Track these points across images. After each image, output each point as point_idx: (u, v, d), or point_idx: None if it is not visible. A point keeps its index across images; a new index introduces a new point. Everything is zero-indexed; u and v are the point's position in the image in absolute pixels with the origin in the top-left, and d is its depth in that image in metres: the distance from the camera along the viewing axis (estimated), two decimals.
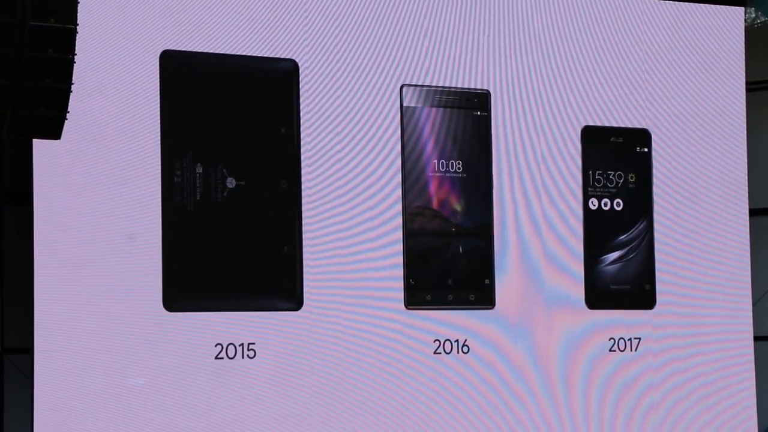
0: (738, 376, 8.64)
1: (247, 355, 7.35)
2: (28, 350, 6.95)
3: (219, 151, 7.32)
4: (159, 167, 7.16)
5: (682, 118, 8.59)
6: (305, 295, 7.52)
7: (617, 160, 8.39)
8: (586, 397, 8.23)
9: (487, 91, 8.06)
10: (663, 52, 8.60)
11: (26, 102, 4.96)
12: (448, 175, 7.93)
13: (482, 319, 7.97)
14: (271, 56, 7.53)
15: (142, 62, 7.18)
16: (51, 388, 6.88)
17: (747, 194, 8.73)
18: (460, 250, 7.94)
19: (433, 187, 7.89)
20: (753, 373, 8.67)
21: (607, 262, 8.35)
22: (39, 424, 6.86)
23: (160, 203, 7.15)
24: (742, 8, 8.84)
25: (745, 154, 8.73)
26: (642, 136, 8.47)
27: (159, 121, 7.17)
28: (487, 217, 8.00)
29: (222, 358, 7.29)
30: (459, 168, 7.95)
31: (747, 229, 8.72)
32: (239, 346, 7.33)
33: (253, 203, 7.42)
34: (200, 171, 7.28)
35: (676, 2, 8.65)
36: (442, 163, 7.91)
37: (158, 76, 7.18)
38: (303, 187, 7.52)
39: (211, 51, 7.33)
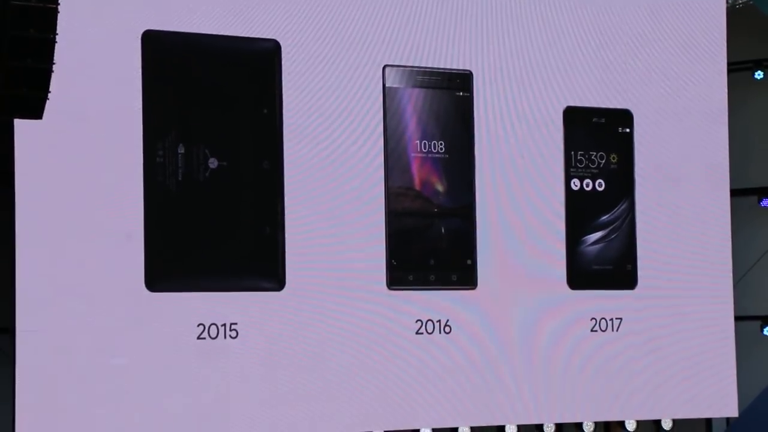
0: (719, 356, 8.71)
1: (230, 336, 7.38)
2: (9, 330, 6.99)
3: (201, 131, 7.34)
4: (141, 148, 7.18)
5: (664, 99, 8.64)
6: (287, 276, 7.55)
7: (599, 140, 8.44)
8: (568, 377, 8.29)
9: (470, 71, 8.10)
10: (645, 33, 8.63)
11: (7, 81, 4.98)
12: (430, 155, 7.96)
13: (464, 299, 8.02)
14: (253, 36, 7.54)
15: (124, 42, 7.18)
16: (33, 368, 6.91)
17: (728, 174, 8.79)
18: (442, 230, 7.98)
19: (415, 168, 7.93)
20: (734, 353, 8.74)
21: (588, 243, 8.41)
22: (21, 404, 6.89)
23: (142, 184, 7.18)
24: None
25: (727, 135, 8.79)
26: (624, 117, 8.52)
27: (141, 102, 7.19)
28: (469, 198, 8.05)
29: (204, 338, 7.33)
30: (441, 148, 7.98)
31: (728, 210, 8.78)
32: (221, 326, 7.37)
33: (235, 184, 7.44)
34: (182, 151, 7.30)
35: None
36: (425, 143, 7.95)
37: (140, 56, 7.19)
38: (285, 167, 7.54)
39: (193, 31, 7.35)
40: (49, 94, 5.07)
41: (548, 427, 8.37)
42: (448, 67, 8.03)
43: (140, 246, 7.15)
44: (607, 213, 8.46)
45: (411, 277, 7.89)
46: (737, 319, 8.83)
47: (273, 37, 7.58)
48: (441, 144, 7.98)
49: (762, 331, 8.98)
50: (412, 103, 7.94)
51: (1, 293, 7.12)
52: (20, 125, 6.92)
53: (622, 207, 8.50)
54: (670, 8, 8.71)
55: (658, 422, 8.77)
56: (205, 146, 7.34)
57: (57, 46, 5.05)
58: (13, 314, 6.93)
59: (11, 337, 6.95)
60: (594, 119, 8.43)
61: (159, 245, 7.20)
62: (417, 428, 7.97)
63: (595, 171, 8.43)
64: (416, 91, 7.96)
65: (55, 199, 7.03)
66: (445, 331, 7.96)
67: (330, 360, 7.66)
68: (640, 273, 8.50)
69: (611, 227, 8.46)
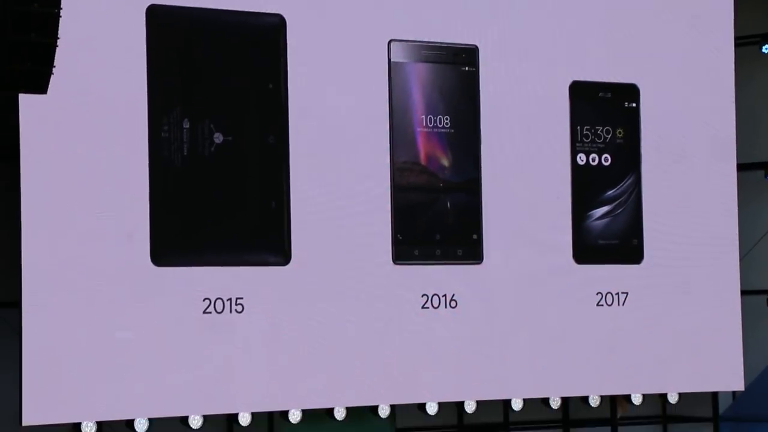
0: (725, 330, 8.73)
1: (235, 310, 7.42)
2: (16, 304, 7.01)
3: (206, 106, 7.36)
4: (146, 122, 7.20)
5: (671, 73, 8.63)
6: (293, 250, 7.59)
7: (605, 115, 8.44)
8: (574, 351, 8.31)
9: (475, 46, 8.09)
10: (651, 7, 8.61)
11: (12, 57, 4.98)
12: (435, 130, 7.97)
13: (470, 273, 8.05)
14: (258, 11, 7.53)
15: (129, 16, 7.18)
16: (40, 341, 6.96)
17: (735, 149, 8.79)
18: (448, 205, 8.00)
19: (420, 143, 7.94)
20: (740, 327, 8.77)
21: (594, 217, 8.42)
22: (28, 377, 6.93)
23: (147, 158, 7.21)
24: None
25: (734, 110, 8.78)
26: (630, 92, 8.51)
27: (146, 76, 7.20)
28: (475, 173, 8.06)
29: (210, 312, 7.36)
30: (447, 123, 7.99)
31: (735, 184, 8.78)
32: (227, 300, 7.41)
33: (240, 158, 7.47)
34: (187, 126, 7.32)
35: None
36: (430, 118, 7.95)
37: (145, 30, 7.20)
38: (290, 142, 7.57)
39: (198, 6, 7.33)
40: (54, 69, 5.07)
41: (554, 401, 8.40)
42: (454, 41, 8.03)
43: (146, 221, 7.18)
44: (613, 188, 8.47)
45: (417, 252, 7.91)
46: (743, 293, 8.85)
47: (278, 12, 7.58)
48: (446, 119, 7.98)
49: None
50: (418, 77, 7.94)
51: (7, 268, 7.16)
52: (25, 100, 6.94)
53: (629, 181, 8.51)
54: None
55: (664, 396, 8.82)
56: (210, 121, 7.36)
57: (61, 21, 5.05)
58: (19, 288, 6.96)
59: (18, 311, 6.98)
60: (600, 94, 8.42)
61: (164, 220, 7.23)
62: (423, 402, 8.01)
63: (601, 146, 8.43)
64: (421, 65, 7.96)
65: (61, 174, 7.04)
66: (450, 306, 7.99)
67: (335, 334, 7.68)
68: (646, 247, 8.52)
69: (617, 202, 8.47)
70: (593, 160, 8.41)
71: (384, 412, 7.99)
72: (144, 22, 7.18)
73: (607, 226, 8.44)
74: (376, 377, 7.81)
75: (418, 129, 7.92)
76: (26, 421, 6.95)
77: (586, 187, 8.36)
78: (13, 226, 7.02)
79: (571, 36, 8.34)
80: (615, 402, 8.90)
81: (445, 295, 7.96)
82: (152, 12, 7.20)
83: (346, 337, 7.71)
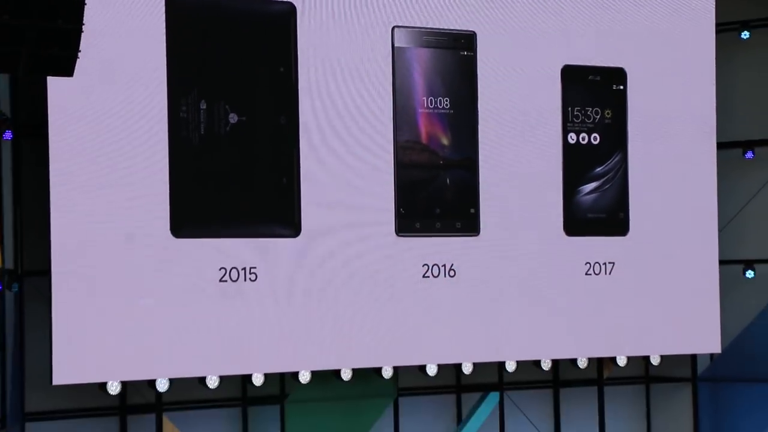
0: (704, 297, 8.70)
1: (249, 278, 7.39)
2: (46, 272, 6.99)
3: (222, 88, 7.31)
4: (166, 103, 7.16)
5: (656, 58, 8.57)
6: (303, 223, 7.55)
7: (594, 97, 8.38)
8: (564, 317, 8.27)
9: (473, 32, 8.02)
10: None
11: (41, 42, 4.93)
12: (436, 111, 7.91)
13: (468, 245, 8.01)
14: (270, 0, 7.48)
15: (149, 4, 7.12)
16: (68, 308, 6.95)
17: (715, 128, 8.73)
18: (447, 181, 7.95)
19: (422, 123, 7.89)
20: (718, 294, 8.74)
21: (584, 192, 8.38)
22: (57, 341, 6.93)
23: (167, 137, 7.17)
24: None
25: (714, 91, 8.72)
26: (618, 75, 8.45)
27: (165, 61, 7.15)
28: (473, 151, 8.00)
29: (226, 281, 7.34)
30: (447, 105, 7.93)
31: (714, 162, 8.72)
32: (241, 269, 7.38)
33: (253, 137, 7.42)
34: (204, 107, 7.27)
35: None
36: (431, 100, 7.90)
37: (164, 17, 7.13)
38: (300, 121, 7.52)
39: None
40: (79, 54, 5.01)
41: (545, 363, 8.38)
42: (453, 28, 7.96)
43: (166, 196, 7.15)
44: (602, 165, 8.42)
45: (418, 225, 7.87)
46: (721, 263, 8.81)
47: (289, 0, 7.52)
48: (446, 100, 7.93)
49: (744, 273, 8.95)
50: (419, 62, 7.88)
51: (38, 239, 7.14)
52: (53, 82, 6.91)
53: (616, 159, 8.46)
54: None
55: (647, 358, 8.81)
56: (225, 102, 7.31)
57: (86, 8, 4.99)
58: (49, 258, 6.95)
59: (48, 279, 6.97)
60: (590, 77, 8.36)
61: (183, 195, 7.19)
62: (423, 364, 7.99)
63: (590, 125, 8.38)
64: (423, 50, 7.89)
65: (86, 152, 7.00)
66: (449, 275, 7.96)
67: (342, 301, 7.66)
68: (632, 220, 8.48)
69: (605, 178, 8.43)
70: (583, 139, 8.35)
71: (387, 373, 7.97)
72: (164, 10, 7.12)
73: (596, 200, 8.39)
74: (380, 341, 7.79)
75: (420, 110, 7.86)
76: (56, 381, 6.97)
77: (576, 165, 8.32)
78: (42, 200, 7.00)
79: (563, 23, 8.27)
80: (601, 364, 8.88)
81: (444, 265, 7.93)
82: (171, 0, 7.14)
83: (351, 303, 7.68)
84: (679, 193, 8.61)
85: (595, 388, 8.91)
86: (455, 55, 8.00)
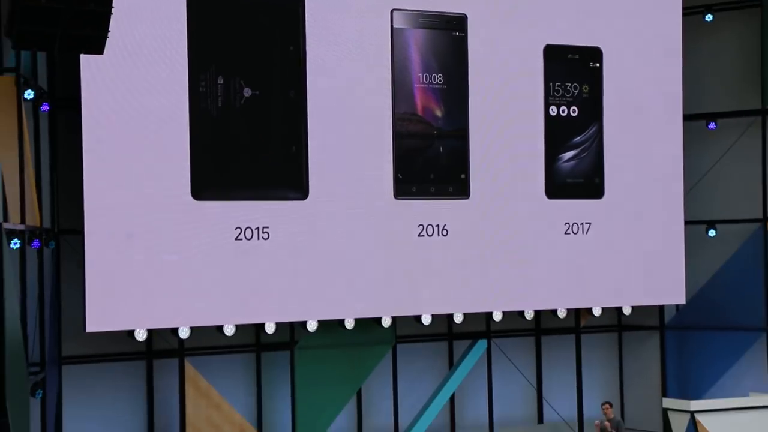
0: (671, 254, 8.76)
1: (262, 237, 7.45)
2: (79, 231, 7.07)
3: (237, 65, 7.34)
4: (186, 79, 7.20)
5: (629, 38, 8.56)
6: (310, 187, 7.60)
7: (573, 73, 8.41)
8: (545, 273, 8.32)
9: (464, 14, 8.04)
10: None
11: (74, 23, 4.98)
12: (431, 86, 7.94)
13: (459, 207, 8.07)
14: None
15: None
16: (99, 264, 7.02)
17: (681, 102, 8.76)
18: (441, 149, 7.99)
19: (418, 96, 7.91)
20: (683, 251, 8.81)
21: (563, 160, 8.41)
22: (90, 293, 7.01)
23: (188, 109, 7.22)
24: None
25: (681, 69, 8.74)
26: (595, 54, 8.47)
27: (186, 40, 7.19)
28: (464, 122, 8.04)
29: (241, 239, 7.40)
30: (440, 80, 7.96)
31: (681, 132, 8.76)
32: (255, 229, 7.44)
33: (266, 109, 7.45)
34: (221, 82, 7.30)
35: None
36: (426, 76, 7.92)
37: (185, 1, 7.15)
38: (308, 96, 7.56)
39: None
40: (109, 34, 5.06)
41: (528, 313, 8.45)
42: (446, 10, 7.97)
43: (187, 162, 7.19)
44: (579, 135, 8.46)
45: (414, 189, 7.92)
46: (686, 223, 8.86)
47: None
48: (440, 76, 7.95)
49: (707, 233, 9.00)
50: (416, 41, 7.89)
51: (72, 201, 7.18)
52: (85, 60, 6.95)
53: (592, 130, 8.50)
54: None
55: (619, 309, 8.87)
56: (240, 78, 7.34)
57: None
58: (82, 218, 7.02)
59: (81, 238, 7.05)
60: (569, 55, 8.39)
61: (203, 161, 7.24)
62: (419, 314, 8.08)
63: (569, 99, 8.40)
64: (419, 31, 7.91)
65: (116, 123, 7.05)
66: (442, 234, 8.01)
67: (346, 257, 7.72)
68: (606, 185, 8.52)
69: (582, 147, 8.46)
70: (563, 112, 8.38)
71: (386, 322, 8.05)
72: None
73: (574, 167, 8.43)
74: (379, 293, 7.86)
75: (416, 85, 7.89)
76: (89, 329, 7.06)
77: (557, 135, 8.35)
78: (75, 166, 7.07)
79: (546, 6, 8.27)
80: (579, 314, 8.94)
81: (438, 225, 7.98)
82: None
83: (354, 260, 7.75)
84: (649, 160, 8.66)
85: (573, 335, 8.98)
86: (448, 35, 8.02)
